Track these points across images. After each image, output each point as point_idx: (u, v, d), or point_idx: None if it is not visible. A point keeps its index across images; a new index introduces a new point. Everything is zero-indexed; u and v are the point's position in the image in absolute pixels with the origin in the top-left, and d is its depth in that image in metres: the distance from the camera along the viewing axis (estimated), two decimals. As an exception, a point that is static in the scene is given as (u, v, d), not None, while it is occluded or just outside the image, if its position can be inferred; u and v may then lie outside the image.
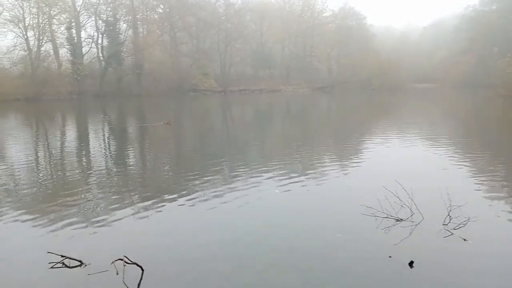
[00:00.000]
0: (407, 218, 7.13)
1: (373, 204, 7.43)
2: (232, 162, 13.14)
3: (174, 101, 49.34)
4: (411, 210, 7.28)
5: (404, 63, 78.89)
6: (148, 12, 67.30)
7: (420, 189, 8.36)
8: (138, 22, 65.00)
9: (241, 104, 47.42)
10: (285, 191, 9.23)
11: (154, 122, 23.76)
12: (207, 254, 5.98)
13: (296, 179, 10.21)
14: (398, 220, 7.09)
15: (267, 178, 10.32)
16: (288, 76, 78.03)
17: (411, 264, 5.52)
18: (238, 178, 10.44)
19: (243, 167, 12.01)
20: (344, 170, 11.51)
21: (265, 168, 11.50)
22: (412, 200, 7.43)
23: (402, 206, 7.44)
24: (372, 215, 7.22)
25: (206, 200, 8.61)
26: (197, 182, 10.22)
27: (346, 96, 59.44)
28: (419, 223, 6.96)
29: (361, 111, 37.51)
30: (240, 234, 6.72)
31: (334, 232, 6.68)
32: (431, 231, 6.67)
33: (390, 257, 5.76)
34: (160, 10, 68.78)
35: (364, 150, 14.94)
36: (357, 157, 13.56)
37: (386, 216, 7.19)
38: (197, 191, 9.28)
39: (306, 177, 10.53)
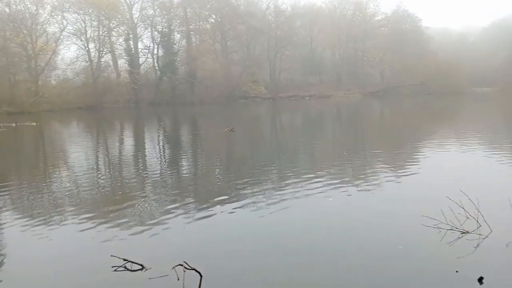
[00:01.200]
0: (473, 231, 6.70)
1: (435, 215, 7.05)
2: (282, 169, 13.07)
3: (226, 108, 50.19)
4: (478, 222, 6.84)
5: (462, 66, 75.22)
6: (201, 22, 69.22)
7: (486, 200, 7.84)
8: (191, 32, 67.01)
9: (291, 110, 47.32)
10: (339, 200, 9.02)
11: (219, 129, 24.09)
12: (262, 261, 5.96)
13: (349, 188, 9.96)
14: (463, 233, 6.67)
15: (318, 186, 10.14)
16: (339, 82, 76.90)
17: (480, 280, 5.16)
18: (288, 186, 10.34)
19: (294, 174, 11.86)
20: (399, 178, 11.06)
21: (316, 176, 11.30)
22: (478, 211, 6.97)
23: (467, 217, 7.00)
24: (435, 226, 6.86)
25: (258, 207, 8.59)
26: (248, 189, 10.25)
27: (400, 101, 57.55)
28: (487, 236, 6.52)
29: (416, 116, 36.10)
30: (296, 243, 6.62)
31: (394, 244, 6.41)
32: (500, 244, 6.22)
33: (457, 271, 5.43)
34: (212, 20, 70.49)
35: (420, 158, 14.30)
36: (413, 165, 12.96)
37: (450, 228, 6.79)
38: (248, 198, 9.31)
39: (359, 185, 10.23)
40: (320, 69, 77.90)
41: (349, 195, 9.36)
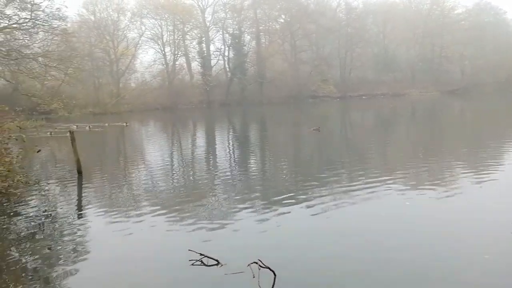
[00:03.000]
0: None
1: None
2: (354, 170, 12.72)
3: (295, 108, 50.08)
4: None
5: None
6: (270, 23, 69.72)
7: None
8: (261, 33, 67.79)
9: (362, 109, 45.98)
10: (417, 205, 8.60)
11: (304, 129, 24.12)
12: (334, 263, 5.88)
13: (425, 192, 9.48)
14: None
15: (392, 189, 9.77)
16: (414, 79, 73.28)
17: None
18: (359, 187, 10.08)
19: (364, 175, 11.52)
20: (481, 183, 10.21)
21: (388, 178, 10.89)
22: None
23: None
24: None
25: (328, 208, 8.49)
26: (319, 189, 10.14)
27: (481, 99, 53.46)
28: None
29: (500, 116, 33.24)
30: (369, 246, 6.44)
31: (480, 253, 5.98)
32: None
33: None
34: (282, 20, 70.68)
35: (504, 162, 13.14)
36: (496, 169, 11.92)
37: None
38: (319, 199, 9.23)
39: (437, 190, 9.66)
40: (394, 67, 74.73)
41: (428, 199, 8.89)
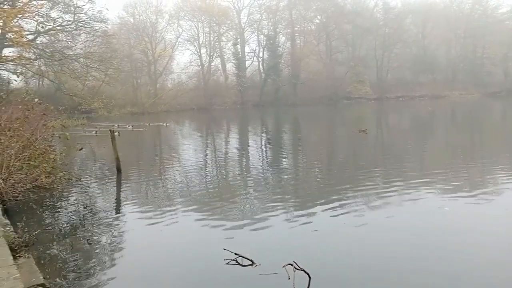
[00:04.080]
0: None
1: None
2: (388, 173, 12.43)
3: (330, 109, 49.55)
4: None
5: None
6: (306, 24, 69.40)
7: None
8: (296, 34, 67.58)
9: (399, 111, 44.85)
10: (455, 209, 8.28)
11: (351, 130, 23.89)
12: (370, 268, 5.75)
13: (465, 197, 9.11)
14: None
15: (429, 193, 9.47)
16: (454, 81, 70.83)
17: None
18: (395, 191, 9.83)
19: (400, 179, 11.23)
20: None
21: (425, 182, 10.55)
22: None
23: None
24: None
25: (363, 212, 8.33)
26: (353, 192, 9.98)
27: (528, 102, 50.99)
28: None
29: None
30: (407, 254, 6.26)
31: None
32: None
33: None
34: (317, 21, 70.18)
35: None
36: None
37: None
38: (353, 202, 9.09)
39: (477, 195, 9.27)
40: (433, 68, 72.48)
41: (464, 204, 8.57)
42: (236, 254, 6.03)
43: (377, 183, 11.10)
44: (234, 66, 63.91)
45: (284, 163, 15.66)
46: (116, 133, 23.37)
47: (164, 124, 32.83)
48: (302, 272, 5.28)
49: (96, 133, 25.58)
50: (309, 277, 5.23)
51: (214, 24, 62.15)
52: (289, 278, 5.21)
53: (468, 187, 10.16)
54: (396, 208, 8.51)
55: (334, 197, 9.48)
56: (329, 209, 8.54)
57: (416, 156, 16.10)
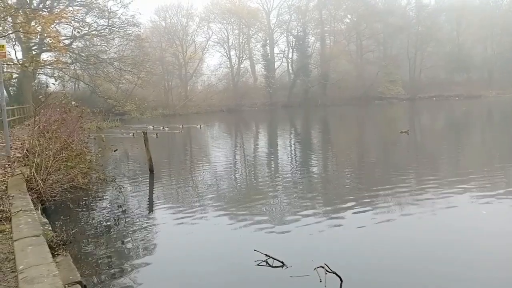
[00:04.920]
0: None
1: None
2: (421, 175, 12.10)
3: (361, 109, 48.79)
4: None
5: None
6: (336, 23, 68.73)
7: None
8: (326, 34, 67.00)
9: (433, 112, 43.63)
10: (491, 212, 7.98)
11: (392, 131, 23.53)
12: (402, 272, 5.61)
13: (502, 199, 8.77)
14: None
15: (465, 195, 9.18)
16: (490, 80, 68.31)
17: None
18: (429, 193, 9.56)
19: (435, 181, 10.90)
20: None
21: (462, 184, 10.22)
22: None
23: None
24: None
25: (396, 214, 8.21)
26: (385, 194, 9.78)
27: None
28: None
29: None
30: (440, 259, 6.07)
31: None
32: None
33: None
34: (348, 20, 69.41)
35: None
36: None
37: None
38: (385, 204, 8.96)
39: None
40: (468, 66, 70.16)
41: (505, 208, 8.23)
42: (266, 255, 6.02)
43: (412, 185, 10.85)
44: (263, 67, 64.09)
45: (315, 164, 15.54)
46: (153, 135, 23.98)
47: (198, 126, 33.06)
48: (334, 275, 5.22)
49: (133, 135, 25.70)
50: (341, 280, 5.16)
51: (244, 26, 62.53)
52: (321, 281, 5.16)
53: (506, 189, 9.75)
54: (431, 211, 8.27)
55: (367, 199, 9.32)
56: (361, 211, 8.41)
57: (451, 157, 15.62)
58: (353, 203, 8.97)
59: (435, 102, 58.11)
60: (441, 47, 70.19)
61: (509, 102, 51.73)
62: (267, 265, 5.94)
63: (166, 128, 30.85)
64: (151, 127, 30.86)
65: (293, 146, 21.89)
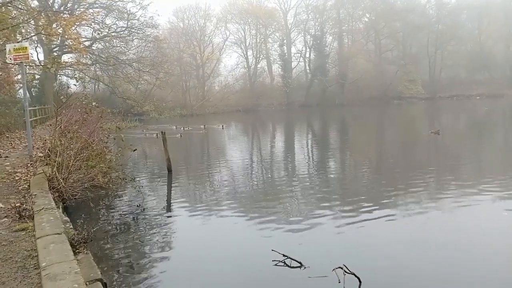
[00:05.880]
0: None
1: None
2: (442, 175, 11.89)
3: (381, 109, 48.20)
4: None
5: None
6: (354, 22, 68.04)
7: None
8: (344, 33, 66.40)
9: (454, 111, 42.83)
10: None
11: (423, 131, 23.25)
12: (422, 275, 5.52)
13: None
14: None
15: (487, 196, 8.99)
16: (514, 79, 66.56)
17: None
18: (451, 194, 9.42)
19: (455, 182, 10.72)
20: None
21: (484, 185, 10.01)
22: None
23: None
24: None
25: (415, 215, 8.14)
26: (404, 194, 9.67)
27: None
28: None
29: None
30: (460, 261, 5.96)
31: None
32: None
33: None
34: (366, 19, 68.65)
35: None
36: None
37: None
38: (404, 204, 8.89)
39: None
40: (490, 65, 68.47)
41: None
42: (284, 255, 6.00)
43: (432, 185, 10.69)
44: (280, 67, 63.92)
45: (333, 164, 15.43)
46: (178, 135, 24.03)
47: (220, 127, 32.75)
48: (352, 276, 5.18)
49: (156, 135, 25.35)
50: (360, 281, 5.12)
51: (261, 26, 62.50)
52: (339, 282, 5.12)
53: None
54: (452, 211, 8.14)
55: (384, 201, 9.22)
56: (380, 211, 8.32)
57: (473, 158, 15.32)
58: (373, 204, 8.87)
59: (455, 102, 57.02)
60: (462, 45, 68.72)
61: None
62: (285, 265, 5.92)
63: (190, 128, 30.99)
64: (174, 127, 31.07)
65: (311, 146, 21.79)
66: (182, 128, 30.70)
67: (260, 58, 64.53)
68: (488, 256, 6.02)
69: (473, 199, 8.85)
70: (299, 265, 5.84)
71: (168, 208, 9.63)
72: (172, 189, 11.82)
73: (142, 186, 11.17)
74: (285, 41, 63.99)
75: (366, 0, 65.53)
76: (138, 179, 12.62)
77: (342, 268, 5.21)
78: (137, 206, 9.55)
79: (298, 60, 66.64)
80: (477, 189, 9.65)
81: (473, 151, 17.16)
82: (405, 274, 5.60)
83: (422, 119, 37.43)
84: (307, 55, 65.08)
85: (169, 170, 13.37)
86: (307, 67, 65.25)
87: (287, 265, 5.90)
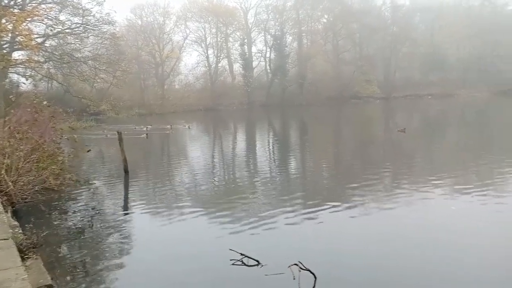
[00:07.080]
0: None
1: None
2: (396, 173, 12.38)
3: (339, 109, 49.34)
4: None
5: None
6: (313, 23, 69.20)
7: None
8: (303, 34, 67.39)
9: (407, 111, 44.53)
10: (463, 209, 8.25)
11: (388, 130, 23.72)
12: (377, 269, 5.73)
13: (474, 196, 9.05)
14: None
15: (436, 193, 9.46)
16: (465, 80, 70.03)
17: None
18: (402, 191, 9.82)
19: (409, 178, 11.21)
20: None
21: (435, 182, 10.50)
22: None
23: None
24: None
25: (369, 211, 8.43)
26: (358, 192, 9.98)
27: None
28: None
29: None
30: (412, 253, 6.23)
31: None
32: None
33: None
34: (324, 20, 69.99)
35: None
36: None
37: None
38: (360, 201, 9.14)
39: (485, 194, 9.21)
40: (443, 66, 71.66)
41: (473, 204, 8.54)
42: (241, 254, 6.05)
43: (386, 183, 11.07)
44: (241, 66, 63.92)
45: (293, 164, 15.66)
46: (144, 136, 23.28)
47: (187, 126, 32.21)
48: (308, 272, 5.29)
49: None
50: (315, 277, 5.23)
51: (221, 25, 62.25)
52: (294, 278, 5.22)
53: (476, 186, 10.06)
54: (403, 208, 8.49)
55: (341, 198, 9.48)
56: (337, 209, 8.54)
57: (425, 155, 16.02)
58: (329, 202, 9.07)
59: (409, 101, 59.27)
60: (416, 47, 71.49)
61: (480, 101, 53.28)
62: (243, 264, 5.96)
63: (151, 127, 30.34)
64: (134, 127, 30.16)
65: (271, 146, 21.99)
66: (146, 128, 30.04)
67: (221, 57, 64.28)
68: (438, 253, 6.31)
69: (425, 196, 9.25)
70: (256, 263, 5.90)
71: (125, 210, 9.42)
72: (129, 190, 11.56)
73: (98, 188, 10.89)
74: (245, 40, 64.09)
75: (325, 1, 66.81)
76: (93, 181, 12.29)
77: (297, 265, 5.31)
78: (92, 208, 9.29)
79: (259, 59, 66.96)
80: (426, 186, 10.11)
81: (426, 149, 17.92)
82: (359, 270, 5.77)
83: (379, 118, 38.70)
84: (268, 55, 65.53)
85: (126, 171, 13.05)
86: (268, 67, 65.68)
87: (245, 264, 5.95)
